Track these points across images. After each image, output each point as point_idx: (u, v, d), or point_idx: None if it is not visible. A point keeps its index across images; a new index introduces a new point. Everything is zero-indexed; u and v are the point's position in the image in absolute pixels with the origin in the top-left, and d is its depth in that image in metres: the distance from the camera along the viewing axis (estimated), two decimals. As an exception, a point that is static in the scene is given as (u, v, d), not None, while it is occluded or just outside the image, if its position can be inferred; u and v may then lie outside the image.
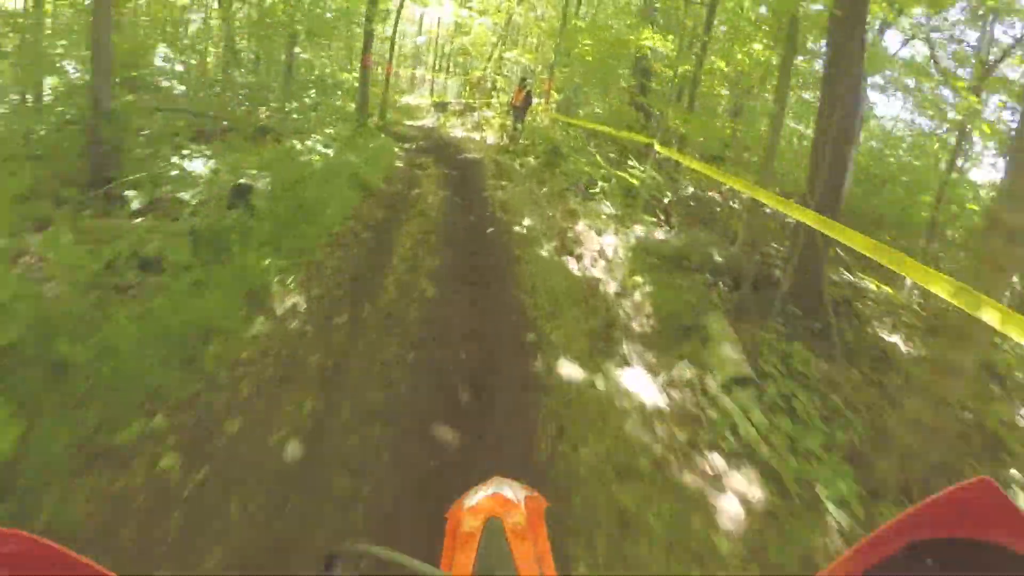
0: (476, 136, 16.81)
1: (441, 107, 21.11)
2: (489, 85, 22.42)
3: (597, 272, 6.24)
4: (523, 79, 15.25)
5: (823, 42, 6.70)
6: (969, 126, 8.90)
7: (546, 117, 16.53)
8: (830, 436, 3.71)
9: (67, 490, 2.42)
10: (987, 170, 11.27)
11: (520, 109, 15.12)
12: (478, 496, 1.12)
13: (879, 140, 13.80)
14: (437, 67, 29.20)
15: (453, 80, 25.35)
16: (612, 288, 5.80)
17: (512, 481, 1.19)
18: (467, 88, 22.08)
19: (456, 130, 17.76)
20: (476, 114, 19.53)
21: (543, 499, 1.22)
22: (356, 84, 17.45)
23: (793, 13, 6.45)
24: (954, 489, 0.50)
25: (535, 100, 15.61)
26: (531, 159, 13.20)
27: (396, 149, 13.12)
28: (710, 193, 11.02)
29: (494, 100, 20.04)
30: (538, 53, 22.61)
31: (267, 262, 4.65)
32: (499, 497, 1.11)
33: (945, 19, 9.81)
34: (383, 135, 14.38)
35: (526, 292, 5.47)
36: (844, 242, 4.00)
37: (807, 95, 11.96)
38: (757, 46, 10.64)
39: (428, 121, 19.92)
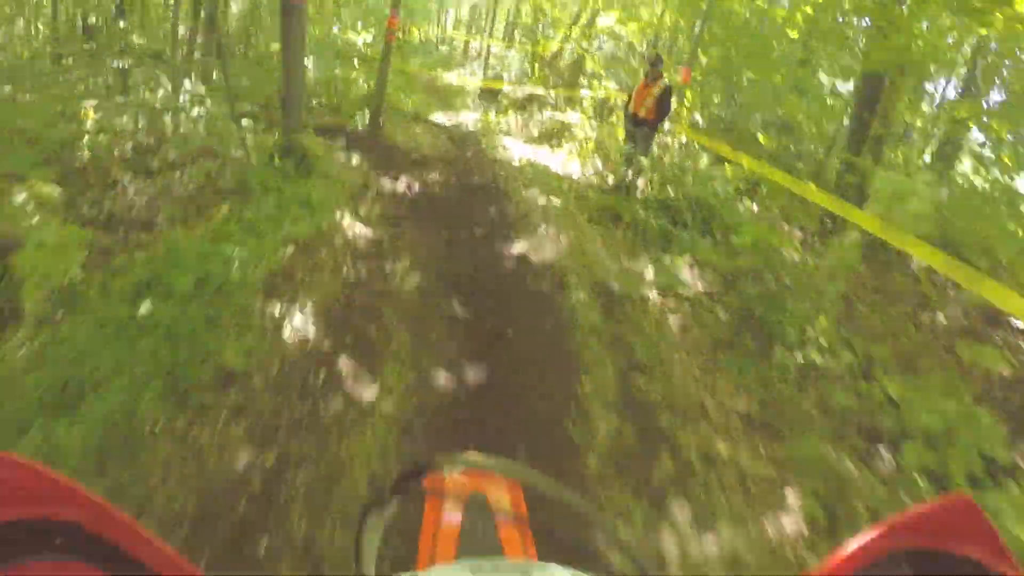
0: (547, 159, 8.95)
1: (491, 95, 13.19)
2: (564, 63, 14.38)
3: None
4: (654, 59, 7.27)
5: None
6: None
7: (681, 133, 8.59)
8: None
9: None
10: None
11: (647, 123, 7.23)
12: (457, 467, 1.02)
13: None
14: (493, 33, 21.18)
15: (515, 52, 17.31)
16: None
17: (487, 457, 0.92)
18: (536, 66, 14.12)
19: (512, 142, 9.86)
20: (548, 112, 11.57)
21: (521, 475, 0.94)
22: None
23: None
24: (934, 503, 0.55)
25: (672, 104, 7.60)
26: (715, 309, 5.37)
27: (346, 220, 5.34)
28: None
29: (583, 91, 11.98)
30: (649, 21, 14.49)
31: None
32: (478, 471, 1.07)
33: None
34: (352, 161, 6.68)
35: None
36: None
37: None
38: None
39: (469, 116, 12.07)
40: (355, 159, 7.07)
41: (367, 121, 9.03)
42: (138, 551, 0.52)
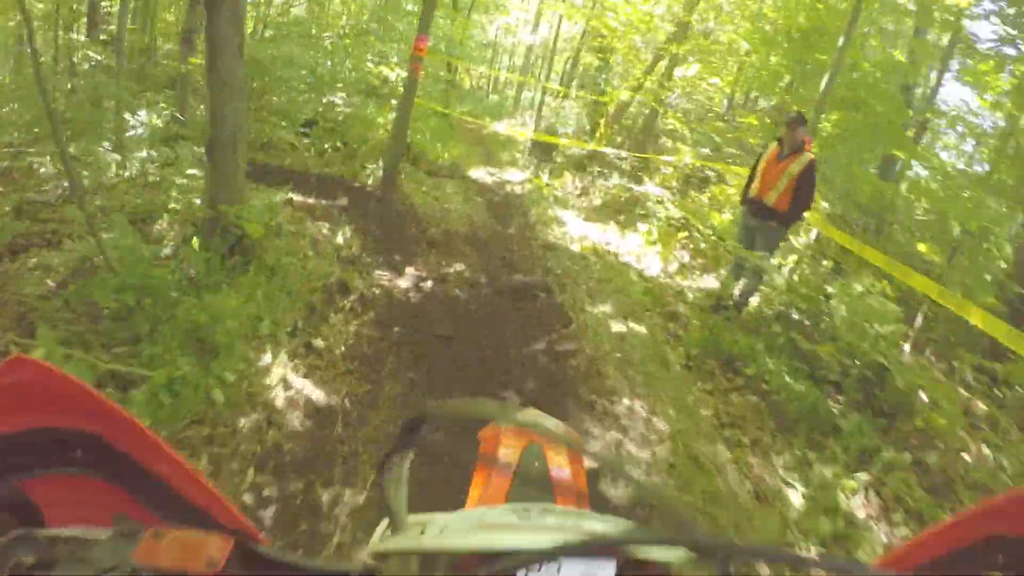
0: (616, 243, 6.63)
1: (544, 152, 10.94)
2: (633, 118, 12.18)
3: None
4: (795, 120, 4.85)
5: None
6: None
7: (812, 227, 6.22)
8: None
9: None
10: None
11: (778, 215, 4.84)
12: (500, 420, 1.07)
13: None
14: (549, 80, 19.26)
15: (574, 103, 15.23)
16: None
17: (546, 415, 1.09)
18: (602, 121, 11.92)
19: (569, 216, 7.58)
20: (615, 178, 9.29)
21: (576, 434, 1.16)
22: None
23: None
24: None
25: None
26: None
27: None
28: None
29: (665, 156, 9.65)
30: (741, 73, 12.38)
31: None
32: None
33: None
34: (338, 237, 4.41)
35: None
36: None
37: None
38: None
39: (516, 175, 9.89)
40: (344, 235, 4.81)
41: (380, 175, 6.88)
42: (156, 465, 0.48)
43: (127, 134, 5.39)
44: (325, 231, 4.66)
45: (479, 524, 0.61)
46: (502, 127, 15.10)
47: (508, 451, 0.95)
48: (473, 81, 24.29)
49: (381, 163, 7.05)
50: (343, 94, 10.81)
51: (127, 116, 5.40)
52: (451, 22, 11.58)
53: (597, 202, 8.48)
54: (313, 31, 11.48)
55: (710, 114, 13.19)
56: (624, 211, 7.98)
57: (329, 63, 11.37)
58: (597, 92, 13.62)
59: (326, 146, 8.64)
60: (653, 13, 11.94)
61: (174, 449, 0.49)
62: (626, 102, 11.25)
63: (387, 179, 6.78)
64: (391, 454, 0.64)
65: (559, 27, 19.87)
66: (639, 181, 9.15)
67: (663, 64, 11.80)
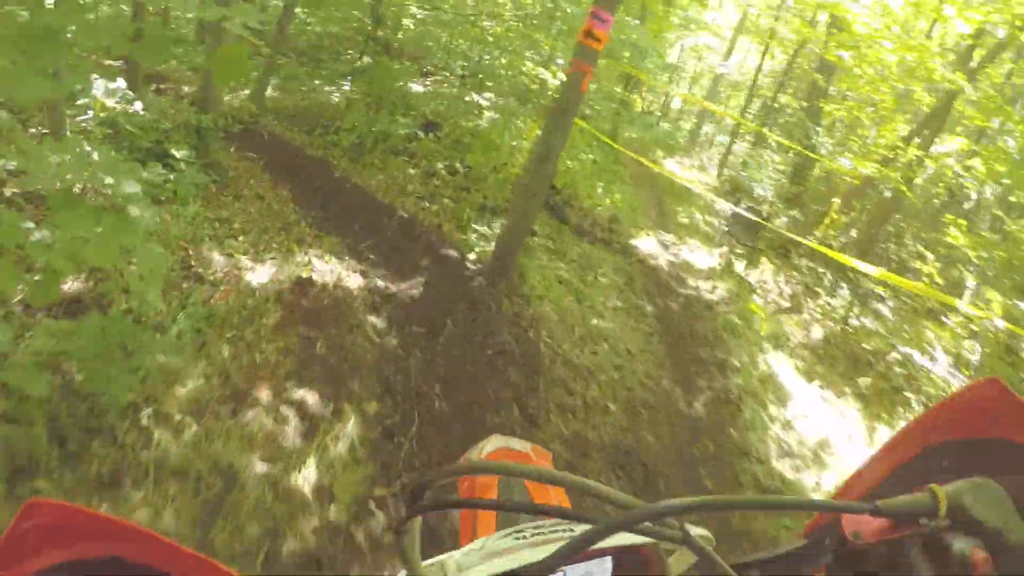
0: (862, 448, 3.50)
1: (748, 231, 7.48)
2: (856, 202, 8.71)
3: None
4: None
5: None
6: None
7: None
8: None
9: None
10: None
11: None
12: (485, 451, 1.08)
13: None
14: (747, 112, 15.79)
15: (777, 155, 11.81)
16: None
17: (511, 437, 1.13)
18: (805, 187, 8.55)
19: (783, 366, 4.49)
20: (843, 293, 6.05)
21: (546, 450, 1.17)
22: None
23: None
24: (963, 390, 0.54)
25: None
26: None
27: None
28: None
29: (955, 313, 6.18)
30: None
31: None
32: (506, 451, 1.08)
33: None
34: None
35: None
36: None
37: None
38: None
39: (701, 257, 6.82)
40: (334, 464, 2.10)
41: (495, 247, 4.18)
42: (177, 570, 0.49)
43: (78, 118, 3.03)
44: (294, 434, 1.98)
45: (485, 553, 0.66)
46: (675, 167, 12.08)
47: (486, 484, 0.98)
48: (644, 104, 21.12)
49: (499, 222, 4.38)
50: (491, 94, 8.39)
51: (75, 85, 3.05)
52: (641, 20, 8.58)
53: (818, 335, 5.35)
54: (471, 16, 9.10)
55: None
56: (863, 367, 4.84)
57: (488, 56, 9.08)
58: (807, 146, 10.18)
59: (440, 165, 6.15)
60: (929, 48, 8.27)
61: (198, 552, 0.48)
62: (872, 178, 7.84)
63: (504, 252, 4.08)
64: (403, 519, 0.63)
65: (763, 59, 16.35)
66: (875, 301, 5.90)
67: (928, 133, 8.29)
